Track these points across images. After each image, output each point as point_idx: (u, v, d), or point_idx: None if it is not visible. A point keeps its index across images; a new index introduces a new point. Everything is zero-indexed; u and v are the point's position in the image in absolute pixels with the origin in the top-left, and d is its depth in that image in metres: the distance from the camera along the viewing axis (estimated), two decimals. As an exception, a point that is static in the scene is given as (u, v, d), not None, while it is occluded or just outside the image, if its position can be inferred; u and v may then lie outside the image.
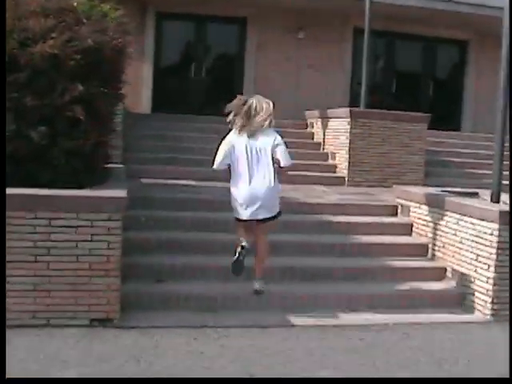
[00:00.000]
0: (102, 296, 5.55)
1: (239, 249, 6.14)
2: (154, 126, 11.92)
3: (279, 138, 6.28)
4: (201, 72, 15.43)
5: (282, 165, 6.26)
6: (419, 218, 7.86)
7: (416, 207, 7.95)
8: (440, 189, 8.36)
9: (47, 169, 5.78)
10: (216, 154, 6.37)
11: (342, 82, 16.00)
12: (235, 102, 6.26)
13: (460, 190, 8.46)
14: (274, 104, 6.26)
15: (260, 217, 6.22)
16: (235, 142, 6.23)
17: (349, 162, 10.59)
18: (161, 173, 9.95)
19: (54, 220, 5.41)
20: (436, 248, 7.46)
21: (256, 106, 6.14)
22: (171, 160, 10.53)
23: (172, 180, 9.64)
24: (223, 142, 6.38)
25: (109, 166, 7.52)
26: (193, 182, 9.56)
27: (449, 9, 14.35)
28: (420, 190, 8.12)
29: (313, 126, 12.48)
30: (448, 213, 7.22)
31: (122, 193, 5.66)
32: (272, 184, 6.19)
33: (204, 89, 15.33)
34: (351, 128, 10.58)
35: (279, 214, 6.40)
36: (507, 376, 4.91)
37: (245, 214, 6.24)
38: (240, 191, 6.23)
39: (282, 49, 15.73)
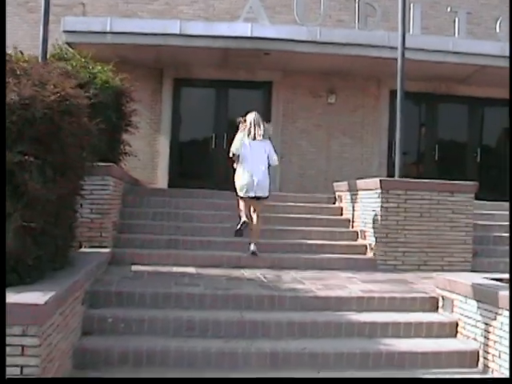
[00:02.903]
0: None
1: (241, 222, 8.62)
2: (163, 202, 10.49)
3: (270, 143, 8.96)
4: (222, 142, 14.07)
5: (271, 163, 8.92)
6: (466, 316, 6.10)
7: (462, 301, 6.21)
8: (492, 276, 6.64)
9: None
10: (231, 145, 8.99)
11: (379, 150, 14.54)
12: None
13: (518, 276, 6.72)
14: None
15: (257, 194, 8.74)
16: (244, 140, 8.82)
17: (381, 242, 8.90)
18: (159, 258, 8.50)
19: None
20: (489, 357, 5.66)
21: (255, 122, 8.87)
22: (174, 242, 9.06)
23: (169, 267, 8.19)
24: (236, 137, 8.97)
25: (68, 254, 6.11)
26: (192, 270, 8.03)
27: (493, 64, 12.84)
28: (467, 279, 6.35)
29: (341, 200, 10.88)
30: (504, 311, 5.46)
31: (42, 297, 4.11)
32: (266, 173, 8.80)
33: (225, 161, 13.89)
34: (383, 201, 8.93)
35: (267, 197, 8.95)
36: None
37: (246, 193, 8.73)
38: (244, 177, 8.74)
39: (312, 115, 14.41)
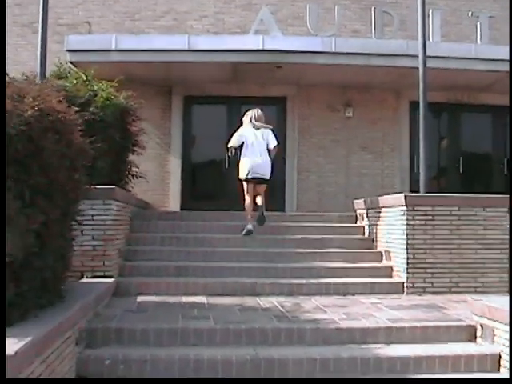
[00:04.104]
0: None
1: (246, 231, 9.40)
2: (172, 226, 9.90)
3: (270, 131, 10.02)
4: (236, 161, 13.42)
5: (270, 147, 9.87)
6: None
7: (504, 331, 5.48)
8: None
9: None
10: (230, 139, 10.11)
11: (400, 164, 13.86)
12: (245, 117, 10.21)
13: None
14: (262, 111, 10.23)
15: (259, 176, 9.74)
16: (245, 131, 9.96)
17: (407, 263, 8.18)
18: (167, 287, 7.85)
19: None
20: (540, 395, 4.95)
21: (256, 116, 10.04)
22: (184, 269, 8.40)
23: (178, 296, 7.53)
24: (237, 132, 10.10)
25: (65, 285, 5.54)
26: (203, 299, 7.38)
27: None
28: (508, 304, 5.64)
29: (363, 219, 10.18)
30: (555, 342, 4.76)
31: (14, 345, 3.46)
32: (267, 158, 9.82)
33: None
34: (408, 219, 8.23)
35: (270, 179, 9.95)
36: None
37: (250, 175, 9.74)
38: (248, 162, 9.77)
39: (329, 130, 13.78)
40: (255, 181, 9.76)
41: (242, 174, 9.85)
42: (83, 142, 5.67)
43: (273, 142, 9.87)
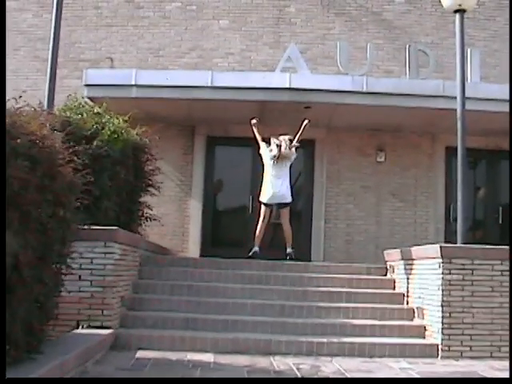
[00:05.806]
0: None
1: (253, 251, 10.34)
2: (184, 273, 9.08)
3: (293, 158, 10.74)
4: (260, 207, 12.66)
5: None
6: None
7: (560, 411, 4.59)
8: None
9: None
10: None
11: (435, 214, 13.00)
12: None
13: None
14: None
15: (279, 201, 10.31)
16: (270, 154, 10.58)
17: (442, 323, 7.22)
18: (172, 341, 7.07)
19: None
20: None
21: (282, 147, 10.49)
22: (192, 322, 7.59)
23: (183, 353, 6.76)
24: (268, 147, 10.71)
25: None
26: (211, 357, 6.56)
27: None
28: None
29: (394, 271, 9.29)
30: None
31: None
32: (287, 184, 10.43)
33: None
34: (444, 273, 7.33)
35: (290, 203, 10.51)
36: None
37: (269, 200, 10.39)
38: (269, 187, 10.42)
39: (359, 175, 13.01)
40: (274, 205, 10.37)
41: (262, 198, 10.54)
42: (73, 175, 4.99)
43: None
